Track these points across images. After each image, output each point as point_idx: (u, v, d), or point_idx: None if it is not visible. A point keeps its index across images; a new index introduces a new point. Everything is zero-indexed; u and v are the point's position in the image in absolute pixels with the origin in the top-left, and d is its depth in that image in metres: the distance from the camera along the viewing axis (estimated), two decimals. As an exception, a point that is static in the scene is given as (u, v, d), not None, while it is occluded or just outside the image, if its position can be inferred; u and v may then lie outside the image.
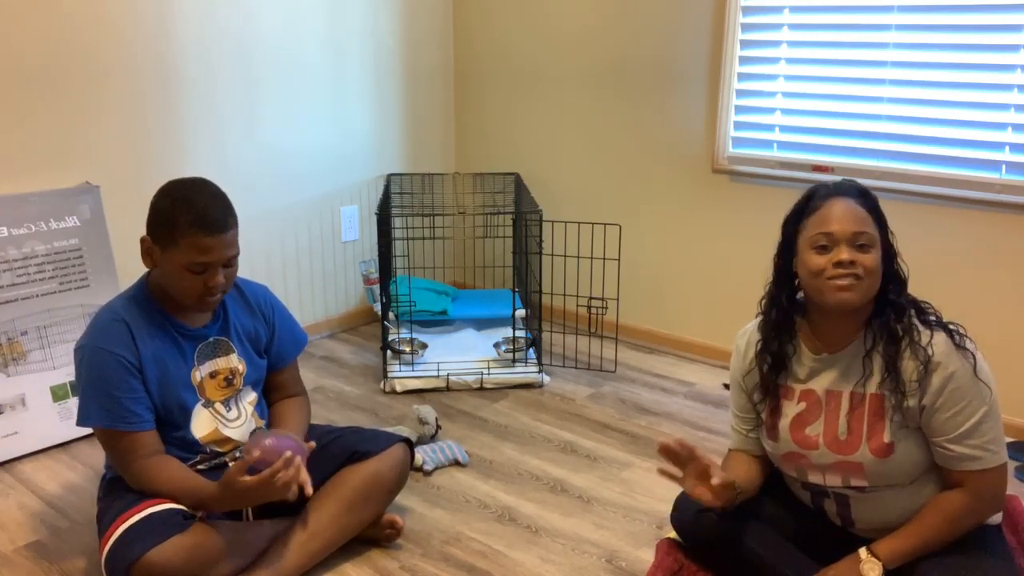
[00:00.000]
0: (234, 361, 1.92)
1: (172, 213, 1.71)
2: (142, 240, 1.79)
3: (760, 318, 1.72)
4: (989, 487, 1.55)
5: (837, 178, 1.68)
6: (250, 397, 1.97)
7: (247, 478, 1.66)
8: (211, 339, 1.89)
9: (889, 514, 1.63)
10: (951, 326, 1.56)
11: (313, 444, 1.82)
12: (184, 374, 1.84)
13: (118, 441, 1.76)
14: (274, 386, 2.06)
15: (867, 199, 1.58)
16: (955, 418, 1.52)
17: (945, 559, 1.55)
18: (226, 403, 1.91)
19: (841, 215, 1.54)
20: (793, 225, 1.63)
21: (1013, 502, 1.94)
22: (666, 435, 2.59)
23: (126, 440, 1.75)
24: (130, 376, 1.75)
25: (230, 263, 1.79)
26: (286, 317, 2.07)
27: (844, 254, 1.52)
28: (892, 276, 1.59)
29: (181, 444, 1.84)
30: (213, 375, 1.89)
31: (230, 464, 1.91)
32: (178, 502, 1.75)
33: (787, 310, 1.68)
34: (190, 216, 1.70)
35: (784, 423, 1.68)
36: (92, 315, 2.16)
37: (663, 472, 1.60)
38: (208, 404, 1.88)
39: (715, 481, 1.54)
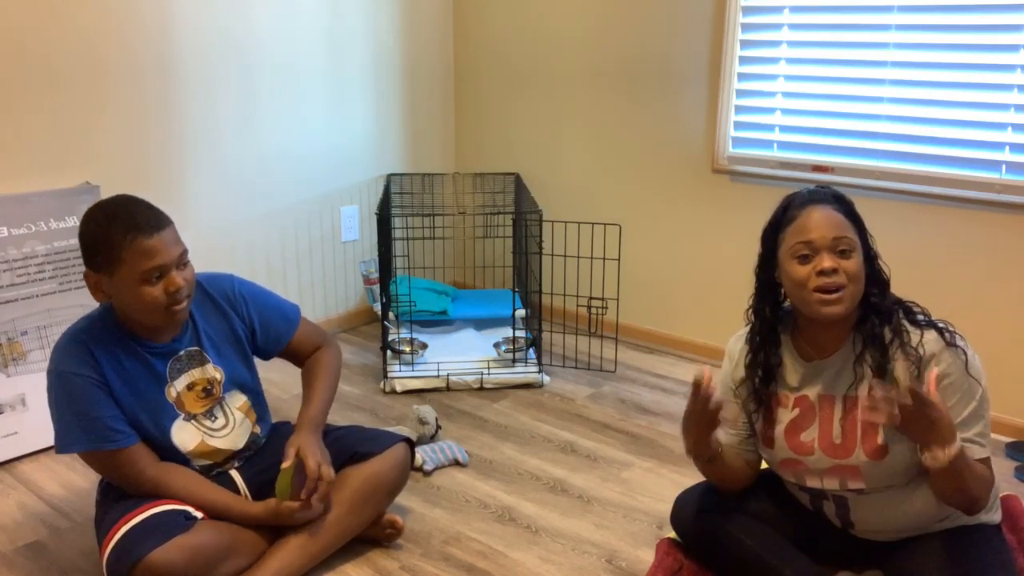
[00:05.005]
0: (210, 371, 1.87)
1: (103, 233, 1.65)
2: (86, 276, 1.71)
3: (747, 329, 1.73)
4: None
5: (811, 186, 1.68)
6: (239, 402, 1.92)
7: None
8: (182, 352, 1.83)
9: (888, 515, 1.63)
10: (941, 324, 1.57)
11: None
12: (158, 395, 1.79)
13: (111, 462, 1.73)
14: (294, 352, 2.04)
15: (843, 204, 1.59)
16: None
17: (944, 558, 1.55)
18: (208, 413, 1.87)
19: (820, 223, 1.54)
20: (772, 237, 1.63)
21: (1012, 501, 1.94)
22: (670, 432, 2.60)
23: (118, 458, 1.73)
24: (102, 393, 1.71)
25: (181, 262, 1.72)
26: (265, 301, 1.99)
27: (826, 262, 1.52)
28: (874, 279, 1.59)
29: (172, 460, 1.82)
30: (190, 387, 1.84)
31: (232, 475, 1.90)
32: (197, 507, 1.75)
33: (771, 322, 1.68)
34: (122, 226, 1.64)
35: (779, 430, 1.67)
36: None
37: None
38: (190, 417, 1.84)
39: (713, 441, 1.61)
